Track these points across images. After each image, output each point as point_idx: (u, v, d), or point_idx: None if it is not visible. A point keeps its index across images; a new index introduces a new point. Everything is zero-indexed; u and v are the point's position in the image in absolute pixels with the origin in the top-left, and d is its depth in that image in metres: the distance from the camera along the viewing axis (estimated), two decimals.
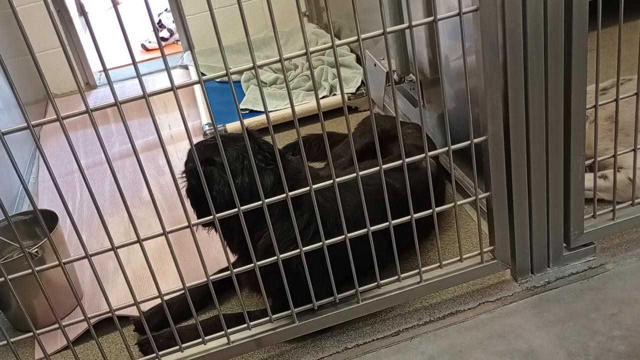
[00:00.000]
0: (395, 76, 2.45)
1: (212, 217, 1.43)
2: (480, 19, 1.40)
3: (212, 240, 1.80)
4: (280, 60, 1.29)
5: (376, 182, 1.65)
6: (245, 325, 1.63)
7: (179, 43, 4.47)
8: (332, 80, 3.20)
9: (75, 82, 1.23)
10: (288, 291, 1.57)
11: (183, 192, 1.72)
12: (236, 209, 1.43)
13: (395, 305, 1.79)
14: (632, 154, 1.74)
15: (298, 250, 1.53)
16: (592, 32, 1.49)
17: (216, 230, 1.55)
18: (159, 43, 1.27)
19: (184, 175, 1.73)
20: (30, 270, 1.37)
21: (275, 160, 1.62)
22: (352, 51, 3.46)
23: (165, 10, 4.86)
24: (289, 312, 1.63)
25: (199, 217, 1.69)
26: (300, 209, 1.60)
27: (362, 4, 1.36)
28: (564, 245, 1.79)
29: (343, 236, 1.54)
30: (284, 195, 1.45)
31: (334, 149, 2.41)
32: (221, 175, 1.63)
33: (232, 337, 1.62)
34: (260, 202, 1.44)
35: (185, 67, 4.00)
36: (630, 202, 1.82)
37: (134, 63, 1.22)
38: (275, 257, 1.52)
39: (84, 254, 1.39)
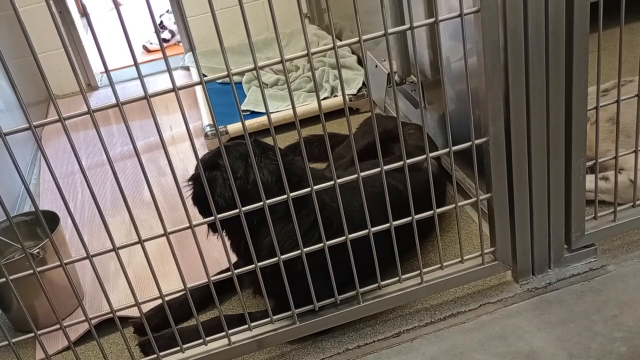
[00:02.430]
0: (396, 77, 2.45)
1: (212, 218, 1.43)
2: (482, 20, 1.40)
3: (213, 241, 1.80)
4: (281, 62, 1.30)
5: (380, 183, 1.66)
6: (246, 326, 1.63)
7: (181, 44, 4.47)
8: (334, 82, 3.20)
9: (77, 83, 1.23)
10: (288, 292, 1.57)
11: (186, 195, 1.73)
12: (237, 210, 1.43)
13: (396, 307, 1.79)
14: (633, 156, 1.74)
15: (301, 251, 1.53)
16: (593, 33, 1.49)
17: (221, 232, 1.54)
18: (160, 44, 1.27)
19: (189, 182, 1.74)
20: (31, 271, 1.37)
21: (276, 161, 1.62)
22: (353, 52, 3.46)
23: (167, 11, 4.87)
24: (290, 312, 1.63)
25: (210, 226, 1.69)
26: (307, 209, 1.59)
27: (363, 5, 1.36)
28: (565, 246, 1.79)
29: (344, 237, 1.54)
30: (286, 195, 1.44)
31: (336, 149, 2.41)
32: (225, 178, 1.62)
33: (233, 338, 1.62)
34: (262, 202, 1.43)
35: (187, 69, 4.01)
36: (632, 203, 1.82)
37: (136, 64, 1.22)
38: (278, 258, 1.52)
39: (85, 255, 1.39)
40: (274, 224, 1.58)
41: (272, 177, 1.63)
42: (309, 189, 1.46)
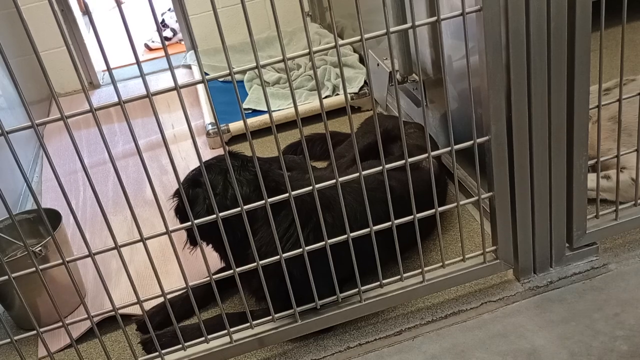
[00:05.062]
0: (398, 76, 2.45)
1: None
2: (484, 19, 1.40)
3: None
4: (283, 60, 1.30)
5: (375, 184, 1.65)
6: (248, 324, 1.63)
7: (182, 43, 4.47)
8: (335, 80, 3.20)
9: (79, 82, 1.23)
10: (291, 291, 1.58)
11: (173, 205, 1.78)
12: (238, 213, 1.43)
13: (398, 305, 1.79)
14: (635, 154, 1.74)
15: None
16: (595, 32, 1.49)
17: (201, 244, 1.54)
18: (162, 42, 1.27)
19: (174, 197, 1.78)
20: (34, 269, 1.38)
21: (254, 172, 1.63)
22: (355, 51, 3.46)
23: (169, 9, 4.87)
24: (291, 311, 1.63)
25: (190, 239, 1.76)
26: (286, 209, 1.60)
27: (365, 4, 1.36)
28: (567, 245, 1.79)
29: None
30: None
31: (337, 148, 2.41)
32: (205, 197, 1.65)
33: (235, 336, 1.63)
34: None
35: (189, 67, 4.01)
36: (633, 202, 1.82)
37: (138, 62, 1.23)
38: (277, 258, 1.53)
39: (88, 253, 1.40)
40: (259, 230, 1.63)
41: (250, 187, 1.66)
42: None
